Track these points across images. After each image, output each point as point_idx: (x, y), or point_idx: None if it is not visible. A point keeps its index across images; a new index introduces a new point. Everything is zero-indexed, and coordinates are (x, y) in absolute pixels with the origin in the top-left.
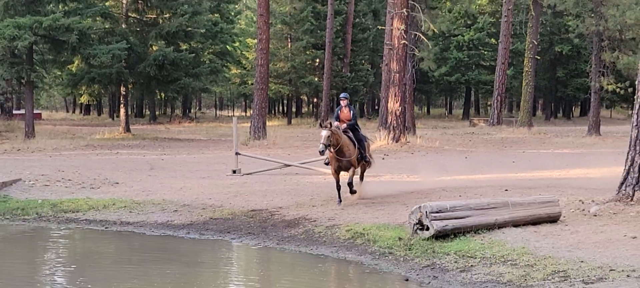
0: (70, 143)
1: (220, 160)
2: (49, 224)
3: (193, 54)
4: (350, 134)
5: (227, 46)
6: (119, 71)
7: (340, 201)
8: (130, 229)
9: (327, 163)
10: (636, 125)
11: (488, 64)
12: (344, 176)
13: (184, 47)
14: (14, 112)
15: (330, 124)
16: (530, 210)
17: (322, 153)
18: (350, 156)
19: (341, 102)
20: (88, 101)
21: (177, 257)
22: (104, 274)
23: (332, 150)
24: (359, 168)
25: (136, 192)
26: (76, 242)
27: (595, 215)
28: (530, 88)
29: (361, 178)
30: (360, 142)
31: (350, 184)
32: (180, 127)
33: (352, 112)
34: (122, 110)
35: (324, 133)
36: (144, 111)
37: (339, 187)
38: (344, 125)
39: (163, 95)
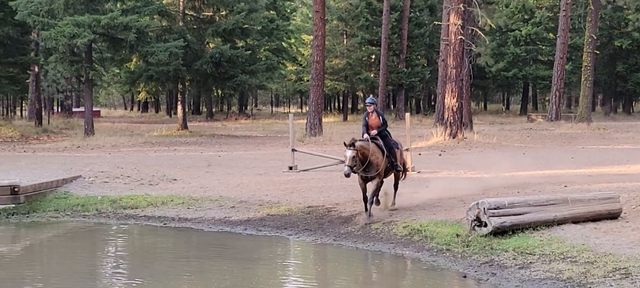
0: (128, 140)
1: (277, 156)
2: (109, 220)
3: (249, 51)
4: (380, 142)
5: (283, 43)
6: (177, 69)
7: (370, 215)
8: (188, 225)
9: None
10: None
11: (546, 59)
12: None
13: (240, 44)
14: (74, 109)
15: (354, 142)
16: (590, 207)
17: (347, 176)
18: (377, 166)
19: (367, 107)
20: (146, 98)
21: (234, 253)
22: (162, 270)
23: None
24: (392, 177)
25: (194, 188)
26: (135, 238)
27: None
28: (589, 83)
29: (395, 187)
30: (391, 150)
31: (375, 198)
32: (237, 123)
33: (381, 117)
34: (180, 107)
35: (349, 154)
36: (200, 108)
37: (366, 198)
38: (374, 132)
39: (220, 92)
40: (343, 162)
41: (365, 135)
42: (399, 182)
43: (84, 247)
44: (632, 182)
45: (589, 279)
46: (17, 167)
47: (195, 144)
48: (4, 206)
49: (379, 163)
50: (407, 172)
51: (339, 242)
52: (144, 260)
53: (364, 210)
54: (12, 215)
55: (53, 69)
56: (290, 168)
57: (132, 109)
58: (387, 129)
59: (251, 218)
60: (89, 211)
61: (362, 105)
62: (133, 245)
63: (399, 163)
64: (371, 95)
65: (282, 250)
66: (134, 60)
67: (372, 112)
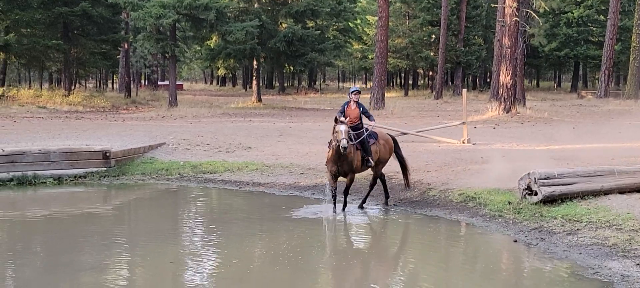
0: (208, 111)
1: None
2: (190, 183)
3: (319, 31)
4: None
5: (350, 23)
6: (252, 47)
7: (336, 211)
8: (261, 189)
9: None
10: None
11: (596, 39)
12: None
13: (310, 24)
14: (159, 83)
15: (344, 119)
16: (635, 178)
17: (345, 150)
18: (352, 160)
19: (353, 97)
20: (224, 74)
21: (303, 216)
22: (237, 229)
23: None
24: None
25: (266, 156)
26: (213, 200)
27: None
28: (637, 62)
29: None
30: (363, 144)
31: (346, 193)
32: (306, 97)
33: (361, 108)
34: (254, 82)
35: (343, 128)
36: (273, 83)
37: (334, 196)
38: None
39: (291, 68)
40: (339, 140)
41: (341, 119)
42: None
43: (167, 207)
44: None
45: (634, 245)
46: (108, 134)
47: (268, 116)
48: (96, 169)
49: (353, 157)
50: (409, 173)
51: (399, 207)
52: (221, 220)
53: (364, 194)
54: (104, 177)
55: (141, 46)
56: None
57: (211, 83)
58: (365, 121)
59: (318, 184)
60: (172, 175)
61: (422, 82)
62: (211, 207)
63: (371, 159)
64: (356, 85)
65: (346, 213)
66: (214, 38)
67: (355, 101)
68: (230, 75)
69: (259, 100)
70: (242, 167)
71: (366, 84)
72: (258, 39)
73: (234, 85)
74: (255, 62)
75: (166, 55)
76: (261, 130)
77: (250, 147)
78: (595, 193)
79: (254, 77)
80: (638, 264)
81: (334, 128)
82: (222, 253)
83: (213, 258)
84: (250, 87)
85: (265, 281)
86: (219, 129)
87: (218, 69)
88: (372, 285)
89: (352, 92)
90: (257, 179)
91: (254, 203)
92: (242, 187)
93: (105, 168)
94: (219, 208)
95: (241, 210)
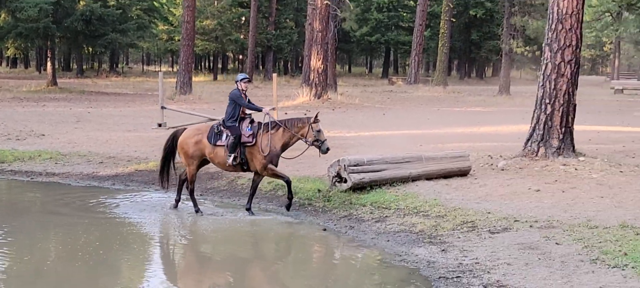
0: None
1: (146, 113)
2: None
3: (120, 10)
4: None
5: (155, 2)
6: (46, 26)
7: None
8: (56, 180)
9: (235, 165)
10: (542, 85)
11: (407, 25)
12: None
13: (111, 2)
14: None
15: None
16: (442, 165)
17: (328, 151)
18: None
19: (243, 84)
20: (15, 54)
21: (102, 208)
22: (28, 224)
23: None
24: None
25: (62, 144)
26: (1, 193)
27: (503, 170)
28: (445, 49)
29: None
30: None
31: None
32: (107, 81)
33: (247, 97)
34: (49, 64)
35: (321, 127)
36: (71, 65)
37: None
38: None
39: (90, 49)
40: (323, 140)
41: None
42: None
43: None
44: (481, 142)
45: (439, 232)
46: None
47: (65, 100)
48: None
49: None
50: None
51: (205, 197)
52: (9, 213)
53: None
54: None
55: None
56: (160, 125)
57: (0, 65)
58: None
59: (119, 174)
60: None
61: (232, 66)
62: None
63: None
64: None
65: (149, 205)
66: (2, 15)
67: (243, 91)
68: (22, 56)
69: (55, 83)
70: (34, 156)
71: (173, 67)
72: (53, 17)
73: (26, 67)
74: (49, 43)
75: None
76: (56, 116)
77: (43, 135)
78: (404, 180)
79: (49, 59)
80: (443, 250)
81: (296, 123)
82: (11, 250)
83: (0, 256)
84: (45, 70)
85: (63, 278)
86: (8, 114)
87: (7, 49)
88: (172, 282)
89: (243, 79)
90: (51, 169)
91: (47, 194)
92: (34, 177)
93: None
94: (8, 201)
95: (33, 202)
